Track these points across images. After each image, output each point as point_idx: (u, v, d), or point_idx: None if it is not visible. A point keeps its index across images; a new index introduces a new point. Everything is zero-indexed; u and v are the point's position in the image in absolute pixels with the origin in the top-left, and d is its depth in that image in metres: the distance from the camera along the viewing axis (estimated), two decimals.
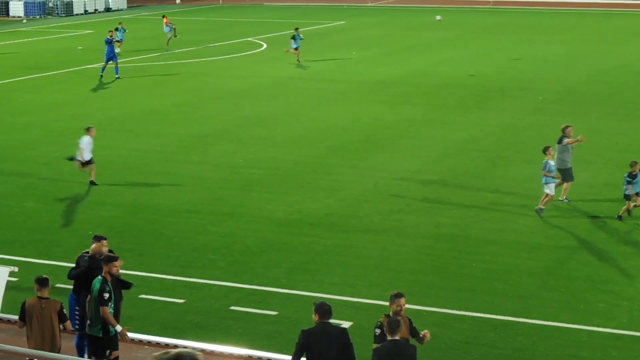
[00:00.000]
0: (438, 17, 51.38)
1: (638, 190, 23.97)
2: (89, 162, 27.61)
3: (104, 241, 16.29)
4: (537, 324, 17.90)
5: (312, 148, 32.19)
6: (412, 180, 28.03)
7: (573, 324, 17.86)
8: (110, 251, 16.15)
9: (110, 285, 14.84)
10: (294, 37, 52.09)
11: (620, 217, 23.95)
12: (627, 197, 24.11)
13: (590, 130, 33.75)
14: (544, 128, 34.87)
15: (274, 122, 36.47)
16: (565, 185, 25.51)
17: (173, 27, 58.82)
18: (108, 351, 15.06)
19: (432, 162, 30.29)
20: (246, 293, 19.58)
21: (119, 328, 14.86)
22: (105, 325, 14.90)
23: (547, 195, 24.30)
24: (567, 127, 26.10)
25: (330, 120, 36.70)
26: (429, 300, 18.62)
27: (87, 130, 27.85)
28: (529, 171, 28.56)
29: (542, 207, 24.28)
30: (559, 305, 18.78)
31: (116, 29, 55.31)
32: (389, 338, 13.12)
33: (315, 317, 13.52)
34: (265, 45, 59.54)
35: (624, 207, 24.08)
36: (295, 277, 20.43)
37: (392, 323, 13.14)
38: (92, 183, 27.60)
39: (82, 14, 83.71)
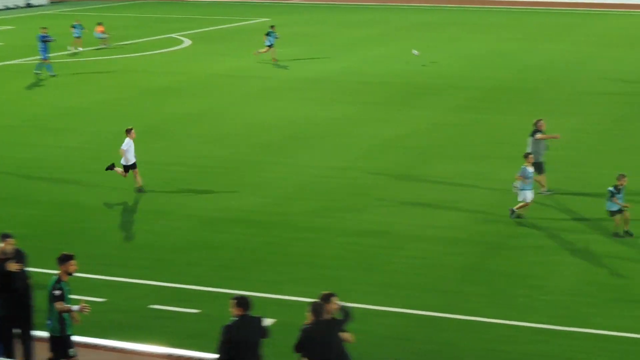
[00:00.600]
0: (415, 52, 51.62)
1: (621, 207, 22.51)
2: (132, 167, 26.32)
3: (10, 239, 15.71)
4: (460, 319, 18.05)
5: (238, 146, 32.08)
6: (338, 177, 28.09)
7: (495, 318, 18.03)
8: (18, 250, 15.76)
9: (63, 285, 14.59)
10: (268, 34, 51.47)
11: (618, 234, 22.55)
12: (612, 213, 22.62)
13: (516, 127, 34.17)
14: (468, 125, 35.27)
15: (201, 120, 36.29)
16: (539, 177, 25.70)
17: (107, 35, 57.38)
18: (71, 350, 14.86)
19: (359, 159, 30.38)
20: (170, 291, 19.45)
21: (75, 307, 14.59)
22: (62, 324, 14.67)
23: (524, 202, 23.91)
24: (539, 120, 26.32)
25: (258, 117, 36.62)
26: (354, 296, 18.65)
27: (128, 132, 26.42)
28: (453, 168, 28.84)
29: (515, 210, 24.01)
30: (481, 300, 18.96)
31: (73, 26, 54.48)
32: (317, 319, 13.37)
33: (235, 311, 13.51)
34: (189, 42, 59.16)
35: (617, 222, 22.62)
36: (220, 275, 20.34)
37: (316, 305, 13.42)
38: (140, 190, 26.22)
39: (2, 10, 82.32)
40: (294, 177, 28.13)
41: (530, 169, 24.08)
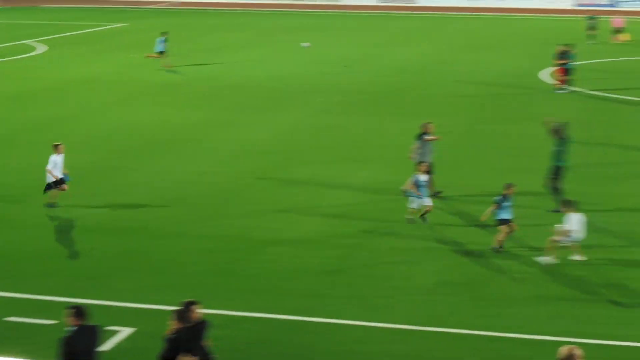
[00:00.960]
0: (305, 44, 51.57)
1: (510, 217, 22.03)
2: (60, 182, 25.22)
3: None
4: (320, 322, 18.14)
5: (94, 152, 31.58)
6: (198, 183, 27.94)
7: (354, 320, 18.18)
8: None
9: None
10: (160, 41, 50.32)
11: (497, 249, 21.88)
12: (500, 222, 21.90)
13: (376, 129, 34.69)
14: (329, 129, 35.56)
15: (56, 126, 35.57)
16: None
17: None
18: None
19: (218, 164, 30.28)
20: (24, 303, 18.99)
21: None
22: None
23: (428, 207, 23.80)
24: (427, 123, 26.56)
25: (113, 123, 36.14)
26: (215, 302, 18.56)
27: (55, 147, 25.37)
28: (314, 171, 29.03)
29: (412, 217, 23.84)
30: (340, 302, 19.10)
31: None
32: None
33: (72, 321, 13.40)
34: (43, 48, 57.97)
35: (500, 235, 21.94)
36: (76, 285, 19.96)
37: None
38: (52, 205, 25.11)
39: None
40: (152, 183, 27.84)
41: (423, 177, 23.97)
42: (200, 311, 13.76)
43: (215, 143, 33.10)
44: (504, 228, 21.91)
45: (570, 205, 21.37)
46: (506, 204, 21.94)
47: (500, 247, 21.87)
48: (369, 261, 21.55)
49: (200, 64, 51.78)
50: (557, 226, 21.26)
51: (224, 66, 51.29)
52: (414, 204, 23.97)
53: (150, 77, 47.27)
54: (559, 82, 43.23)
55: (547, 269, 20.79)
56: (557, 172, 25.19)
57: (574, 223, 20.99)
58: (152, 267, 21.08)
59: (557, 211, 23.11)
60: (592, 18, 64.59)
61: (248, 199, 26.37)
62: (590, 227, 21.54)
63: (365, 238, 23.15)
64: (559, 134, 25.44)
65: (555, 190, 25.08)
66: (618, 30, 64.41)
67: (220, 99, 41.61)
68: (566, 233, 20.99)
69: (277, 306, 18.84)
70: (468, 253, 21.96)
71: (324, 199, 26.40)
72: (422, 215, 23.98)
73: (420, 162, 24.61)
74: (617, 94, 42.55)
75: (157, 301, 18.75)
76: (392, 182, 27.52)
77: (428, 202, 23.99)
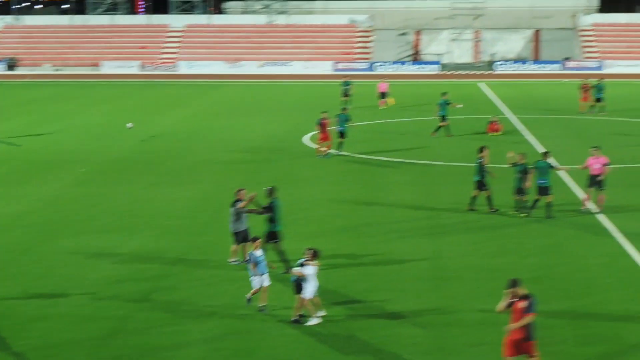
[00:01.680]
0: (129, 125, 50.00)
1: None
2: None
3: None
4: None
5: None
6: None
7: None
8: None
9: None
10: None
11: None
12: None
13: (140, 198, 34.19)
14: (89, 199, 34.73)
15: None
16: (237, 246, 25.58)
17: None
18: None
19: None
20: None
21: None
22: None
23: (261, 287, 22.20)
24: (240, 190, 25.86)
25: None
26: None
27: None
28: (78, 243, 28.19)
29: (251, 297, 22.35)
30: None
31: None
32: None
33: None
34: None
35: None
36: None
37: None
38: None
39: None
40: None
41: (258, 253, 22.15)
42: None
43: None
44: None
45: (317, 254, 21.40)
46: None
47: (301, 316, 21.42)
48: (138, 333, 20.92)
49: None
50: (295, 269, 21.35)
51: None
52: (255, 282, 22.16)
53: None
54: (322, 147, 43.90)
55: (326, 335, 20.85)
56: (275, 237, 25.33)
57: (312, 274, 21.17)
58: None
59: (287, 272, 23.62)
60: (347, 83, 65.62)
61: (7, 275, 25.18)
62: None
63: (132, 311, 22.48)
64: (271, 195, 25.65)
65: (281, 253, 25.22)
66: (383, 95, 65.88)
67: None
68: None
69: None
70: (240, 319, 21.73)
71: (90, 271, 25.58)
72: (253, 294, 22.29)
73: (255, 238, 22.65)
74: (379, 156, 43.79)
75: None
76: (161, 251, 27.10)
77: (267, 281, 22.17)
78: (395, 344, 20.02)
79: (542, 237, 28.78)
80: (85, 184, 37.65)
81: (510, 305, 17.70)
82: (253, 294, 22.28)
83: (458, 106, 54.10)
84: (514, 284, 17.85)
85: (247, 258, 22.57)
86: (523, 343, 17.58)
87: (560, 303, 22.55)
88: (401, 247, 27.61)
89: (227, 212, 26.61)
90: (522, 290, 17.75)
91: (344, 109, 48.95)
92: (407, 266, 25.78)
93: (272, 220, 25.42)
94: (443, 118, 50.57)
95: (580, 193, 33.48)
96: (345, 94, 64.77)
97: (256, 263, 22.10)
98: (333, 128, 44.94)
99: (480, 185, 31.93)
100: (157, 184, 37.67)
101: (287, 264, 24.63)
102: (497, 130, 50.74)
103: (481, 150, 32.28)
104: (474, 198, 32.04)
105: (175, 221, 31.11)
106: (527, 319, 17.51)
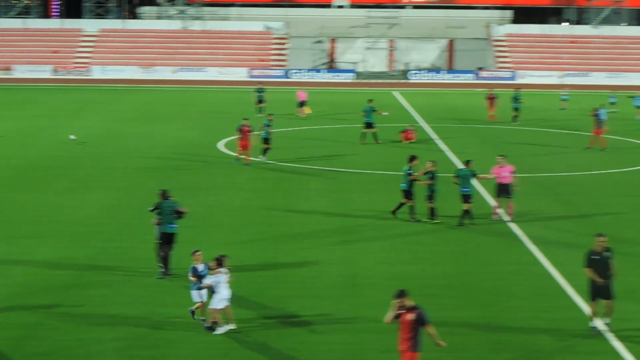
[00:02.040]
0: (72, 137, 49.01)
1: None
2: None
3: None
4: None
5: None
6: None
7: None
8: None
9: None
10: None
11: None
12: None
13: (51, 205, 33.71)
14: (2, 204, 34.15)
15: None
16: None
17: None
18: None
19: None
20: None
21: None
22: None
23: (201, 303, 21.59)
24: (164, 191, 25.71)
25: None
26: None
27: None
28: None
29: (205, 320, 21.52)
30: None
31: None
32: None
33: None
34: None
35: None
36: None
37: None
38: None
39: None
40: None
41: (200, 266, 21.63)
42: None
43: None
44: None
45: (221, 262, 21.16)
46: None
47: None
48: (48, 339, 20.58)
49: None
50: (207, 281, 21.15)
51: None
52: (196, 297, 21.52)
53: None
54: (242, 154, 43.42)
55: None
56: (169, 239, 25.17)
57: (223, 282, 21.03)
58: None
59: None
60: (261, 90, 64.77)
61: None
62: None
63: (45, 316, 22.14)
64: (164, 197, 25.54)
65: (163, 259, 25.03)
66: (302, 103, 65.42)
67: None
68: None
69: None
70: (155, 324, 21.53)
71: (3, 276, 25.12)
72: (196, 308, 21.63)
73: (195, 251, 21.91)
74: (295, 164, 43.81)
75: None
76: (72, 257, 26.77)
77: (202, 297, 21.52)
78: (309, 351, 20.03)
79: (454, 244, 29.08)
80: None
81: (397, 316, 17.42)
82: (197, 308, 21.56)
83: (384, 114, 54.36)
84: (401, 294, 17.44)
85: (190, 272, 21.70)
86: (406, 353, 17.31)
87: (473, 311, 22.79)
88: (315, 254, 27.63)
89: (139, 218, 26.29)
90: (409, 302, 17.40)
91: (270, 115, 48.75)
92: (321, 273, 25.81)
93: (160, 223, 25.24)
94: (369, 125, 50.73)
95: (491, 201, 33.91)
96: (260, 101, 64.34)
97: (199, 277, 21.46)
98: (256, 134, 44.70)
99: (407, 194, 31.93)
100: (69, 190, 37.14)
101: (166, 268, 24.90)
102: (411, 139, 51.19)
103: (411, 159, 32.27)
104: (411, 207, 31.92)
105: (87, 228, 30.71)
106: (429, 329, 17.42)
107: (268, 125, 45.16)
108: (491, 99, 62.94)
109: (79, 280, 24.79)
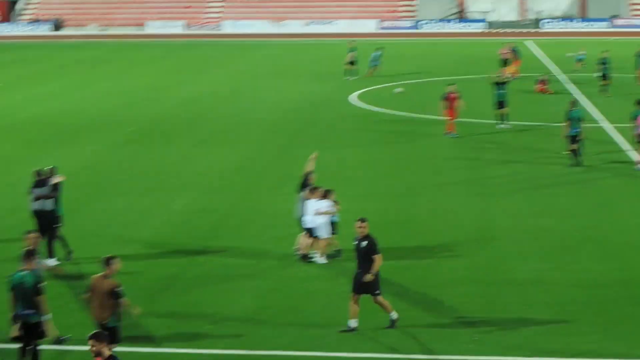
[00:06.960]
0: (397, 90, 48.44)
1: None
2: None
3: None
4: (137, 352, 17.56)
5: None
6: (5, 218, 26.77)
7: (177, 348, 17.68)
8: None
9: None
10: None
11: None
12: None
13: (179, 158, 34.33)
14: (138, 158, 34.87)
15: None
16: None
17: None
18: None
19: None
20: None
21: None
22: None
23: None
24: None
25: None
26: None
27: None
28: (123, 203, 28.32)
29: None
30: (163, 330, 18.53)
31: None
32: None
33: None
34: None
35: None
36: None
37: None
38: None
39: None
40: None
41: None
42: None
43: (20, 179, 31.79)
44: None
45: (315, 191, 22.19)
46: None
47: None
48: (187, 291, 20.98)
49: None
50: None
51: (19, 101, 49.74)
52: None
53: None
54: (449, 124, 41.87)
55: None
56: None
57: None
58: None
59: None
60: (353, 50, 57.18)
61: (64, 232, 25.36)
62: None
63: (184, 267, 22.58)
64: (46, 182, 23.27)
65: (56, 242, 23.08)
66: (505, 62, 56.23)
67: (17, 134, 40.23)
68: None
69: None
70: (288, 276, 21.77)
71: (141, 228, 25.76)
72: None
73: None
74: (426, 115, 43.50)
75: None
76: (209, 210, 27.22)
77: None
78: (442, 305, 19.91)
79: (592, 195, 28.49)
80: (133, 143, 37.88)
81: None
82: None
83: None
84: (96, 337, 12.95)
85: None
86: None
87: (611, 263, 22.33)
88: (449, 206, 27.47)
89: (272, 171, 26.40)
90: (108, 350, 12.88)
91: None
92: (456, 225, 25.63)
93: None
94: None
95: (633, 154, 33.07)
96: (351, 62, 57.23)
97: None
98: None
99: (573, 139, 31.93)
100: (203, 142, 37.74)
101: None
102: (546, 91, 49.88)
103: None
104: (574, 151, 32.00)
105: (220, 181, 31.09)
106: None
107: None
108: None
109: (216, 233, 25.20)
